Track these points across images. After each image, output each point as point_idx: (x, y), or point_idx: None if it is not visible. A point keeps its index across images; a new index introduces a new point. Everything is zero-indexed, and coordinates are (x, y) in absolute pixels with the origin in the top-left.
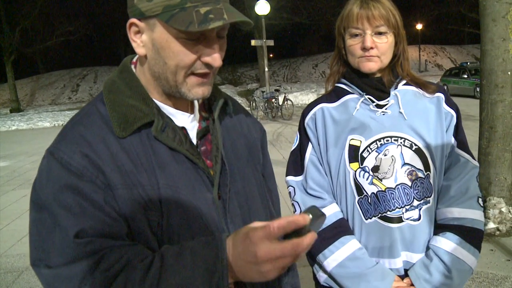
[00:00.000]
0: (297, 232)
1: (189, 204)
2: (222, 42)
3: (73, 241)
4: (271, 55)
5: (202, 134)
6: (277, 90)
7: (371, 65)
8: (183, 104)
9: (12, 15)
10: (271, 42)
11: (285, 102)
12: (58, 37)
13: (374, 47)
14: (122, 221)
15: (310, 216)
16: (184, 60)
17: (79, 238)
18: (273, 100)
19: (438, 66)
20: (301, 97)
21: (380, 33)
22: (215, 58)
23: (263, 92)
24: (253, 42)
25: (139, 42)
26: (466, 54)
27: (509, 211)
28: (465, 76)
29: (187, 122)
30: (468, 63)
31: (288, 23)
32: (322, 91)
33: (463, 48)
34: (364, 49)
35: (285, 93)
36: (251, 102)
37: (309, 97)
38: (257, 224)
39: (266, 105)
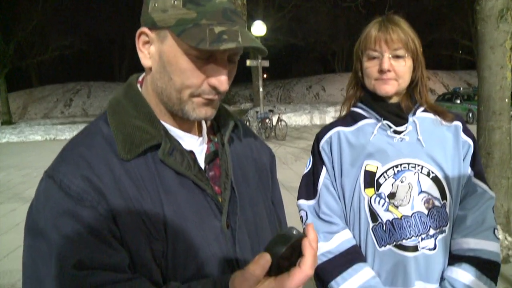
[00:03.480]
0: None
1: (196, 233)
2: (232, 67)
3: (71, 272)
4: (265, 76)
5: (211, 158)
6: (271, 111)
7: (388, 88)
8: (191, 126)
9: (9, 28)
10: (266, 63)
11: (279, 123)
12: (53, 51)
13: (392, 70)
14: (124, 251)
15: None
16: (190, 79)
17: (77, 270)
18: (267, 120)
19: (431, 91)
20: (295, 118)
21: (398, 57)
22: (222, 82)
23: (257, 112)
24: (248, 63)
25: (147, 53)
26: (458, 79)
27: (506, 238)
28: (458, 101)
29: (196, 145)
30: (461, 89)
31: (283, 44)
32: (316, 113)
33: (456, 74)
34: (381, 71)
35: (279, 114)
36: (245, 122)
37: (303, 118)
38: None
39: (260, 125)
